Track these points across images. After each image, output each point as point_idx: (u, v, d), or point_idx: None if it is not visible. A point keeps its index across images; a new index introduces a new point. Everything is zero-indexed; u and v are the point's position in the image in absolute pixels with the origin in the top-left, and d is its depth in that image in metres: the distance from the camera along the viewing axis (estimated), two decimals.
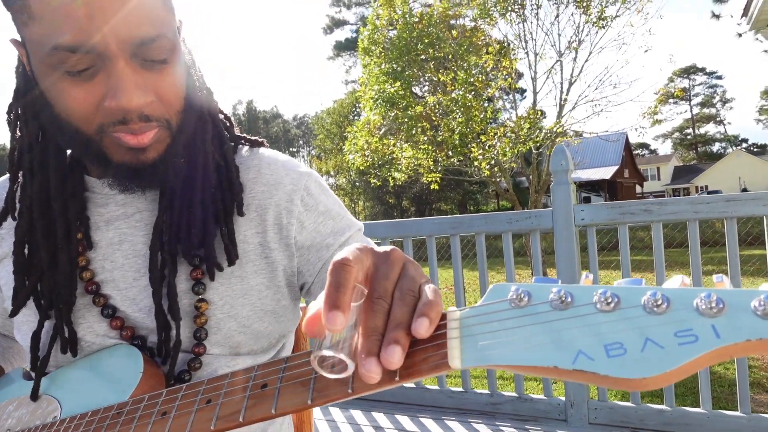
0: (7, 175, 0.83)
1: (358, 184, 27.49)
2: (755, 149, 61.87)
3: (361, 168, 11.77)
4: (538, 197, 11.51)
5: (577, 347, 0.36)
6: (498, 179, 11.40)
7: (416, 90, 11.89)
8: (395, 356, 0.39)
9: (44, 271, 0.71)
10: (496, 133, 10.33)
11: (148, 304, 0.74)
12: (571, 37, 10.57)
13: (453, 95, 10.40)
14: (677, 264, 9.66)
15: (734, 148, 60.86)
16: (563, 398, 2.54)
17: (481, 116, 10.15)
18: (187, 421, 0.51)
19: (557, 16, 10.61)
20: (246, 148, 0.84)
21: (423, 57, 10.95)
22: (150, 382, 0.66)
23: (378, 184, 12.15)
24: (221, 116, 0.82)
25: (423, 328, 0.40)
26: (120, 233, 0.76)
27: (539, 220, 2.55)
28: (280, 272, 0.78)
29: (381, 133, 11.37)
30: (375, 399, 2.98)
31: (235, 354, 0.77)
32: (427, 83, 12.03)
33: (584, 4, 10.11)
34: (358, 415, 2.84)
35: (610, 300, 0.38)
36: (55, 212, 0.72)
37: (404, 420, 2.74)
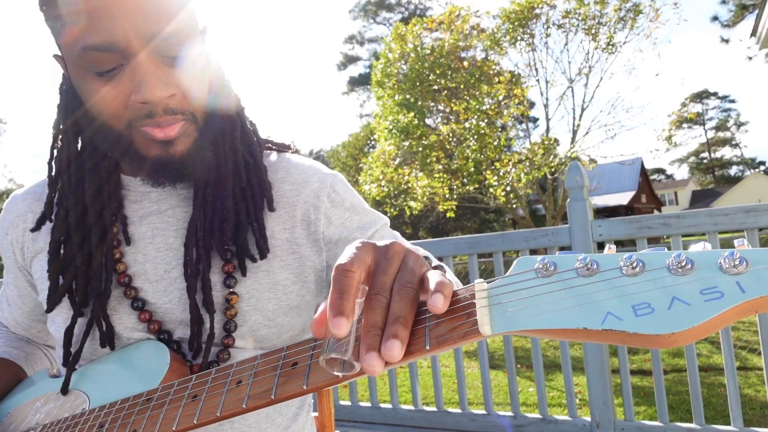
0: (40, 180, 0.87)
1: None
2: None
3: (377, 198, 11.84)
4: (555, 223, 11.45)
5: (605, 309, 0.37)
6: (514, 206, 11.38)
7: (429, 122, 12.02)
8: (394, 350, 0.40)
9: (79, 269, 0.74)
10: (510, 160, 10.36)
11: (177, 296, 0.76)
12: (582, 64, 10.67)
13: (466, 124, 10.49)
14: None
15: (752, 171, 60.19)
16: (589, 419, 2.48)
17: (495, 143, 10.21)
18: (218, 402, 0.52)
19: (566, 43, 10.74)
20: (273, 153, 0.87)
21: (435, 87, 11.11)
22: (176, 373, 0.68)
23: (395, 213, 12.18)
24: (249, 121, 0.85)
25: (439, 303, 0.41)
26: (153, 228, 0.78)
27: (556, 237, 2.54)
28: (308, 268, 0.80)
29: (396, 163, 11.47)
30: (398, 424, 2.94)
31: (259, 348, 0.79)
32: (440, 114, 12.18)
33: (593, 32, 10.23)
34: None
35: (635, 264, 0.39)
36: (90, 212, 0.75)
37: None
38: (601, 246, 2.50)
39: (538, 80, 11.06)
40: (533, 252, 2.80)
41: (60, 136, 0.78)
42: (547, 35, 10.64)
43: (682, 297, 0.36)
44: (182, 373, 0.69)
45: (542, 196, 11.91)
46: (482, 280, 0.44)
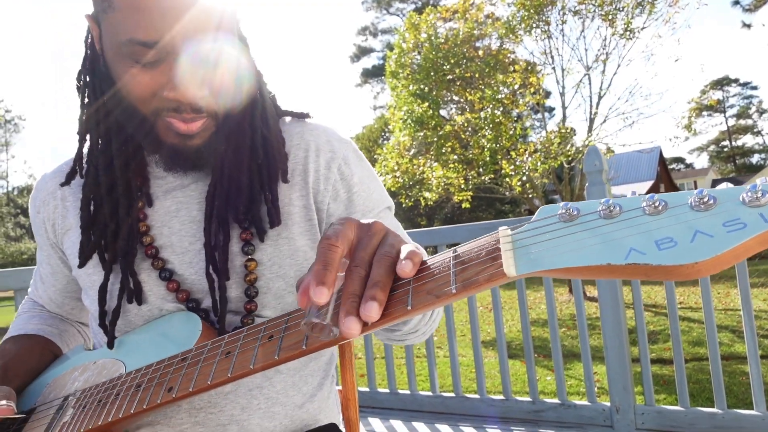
0: (68, 159, 0.90)
1: None
2: None
3: (392, 189, 11.85)
4: None
5: (629, 245, 0.38)
6: (530, 196, 11.31)
7: (444, 112, 11.97)
8: (372, 311, 0.44)
9: (108, 226, 0.77)
10: (526, 149, 10.28)
11: (203, 267, 0.78)
12: (599, 50, 10.53)
13: (481, 114, 10.43)
14: (721, 277, 9.37)
15: None
16: (608, 404, 2.48)
17: (511, 132, 10.14)
18: (251, 356, 0.54)
19: (583, 30, 10.60)
20: (290, 118, 0.88)
21: (450, 77, 11.05)
22: (208, 337, 0.70)
23: (410, 204, 12.19)
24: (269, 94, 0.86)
25: (408, 268, 0.45)
26: (177, 202, 0.81)
27: None
28: (320, 234, 0.82)
29: (411, 153, 11.44)
30: (415, 410, 2.96)
31: None
32: (455, 104, 12.12)
33: (610, 17, 10.09)
34: (398, 424, 2.82)
35: (658, 204, 0.39)
36: (119, 181, 0.78)
37: (445, 429, 2.71)
38: None
39: (554, 68, 10.94)
40: None
41: (86, 92, 0.80)
42: (563, 22, 10.51)
43: (705, 230, 0.36)
44: (214, 336, 0.71)
45: (558, 185, 11.81)
46: (507, 227, 0.45)
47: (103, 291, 0.79)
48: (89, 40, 0.79)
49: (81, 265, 0.80)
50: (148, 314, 0.78)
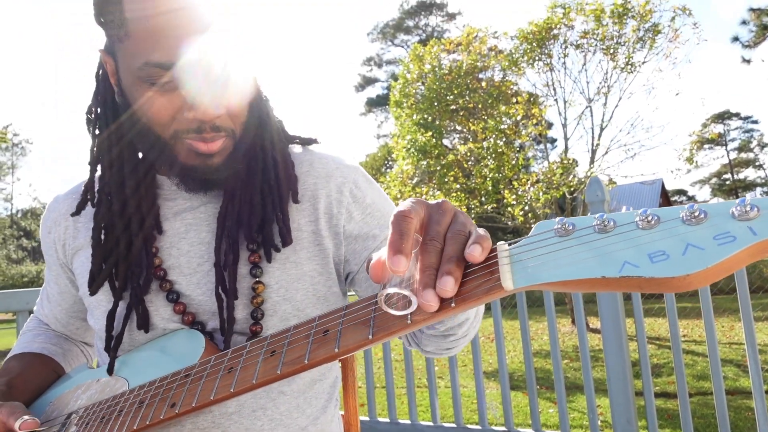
0: (81, 182, 0.92)
1: None
2: None
3: None
4: None
5: (623, 259, 0.39)
6: (532, 225, 11.32)
7: (446, 142, 12.08)
8: (449, 285, 0.44)
9: (120, 256, 0.78)
10: (528, 179, 10.33)
11: (210, 288, 0.79)
12: (600, 83, 10.66)
13: (484, 144, 10.52)
14: (725, 311, 9.28)
15: None
16: None
17: (513, 162, 10.20)
18: (253, 371, 0.54)
19: (584, 63, 10.76)
20: (298, 146, 0.90)
21: (453, 107, 11.18)
22: (211, 354, 0.70)
23: None
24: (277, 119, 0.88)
25: (477, 252, 0.45)
26: (186, 223, 0.82)
27: None
28: (330, 259, 0.83)
29: (414, 182, 11.50)
30: None
31: None
32: (458, 134, 12.23)
33: (611, 51, 10.25)
34: None
35: (650, 218, 0.40)
36: (130, 203, 0.79)
37: None
38: None
39: (556, 100, 11.08)
40: None
41: (98, 124, 0.82)
42: (565, 55, 10.68)
43: (696, 243, 0.37)
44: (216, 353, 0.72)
45: (560, 215, 11.83)
46: (504, 242, 0.47)
47: (111, 317, 0.79)
48: (100, 74, 0.82)
49: (93, 293, 0.81)
50: (152, 335, 0.79)
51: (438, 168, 10.73)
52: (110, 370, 0.77)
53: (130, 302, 0.78)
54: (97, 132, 0.82)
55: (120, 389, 0.73)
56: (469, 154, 10.76)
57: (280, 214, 0.80)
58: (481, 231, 0.48)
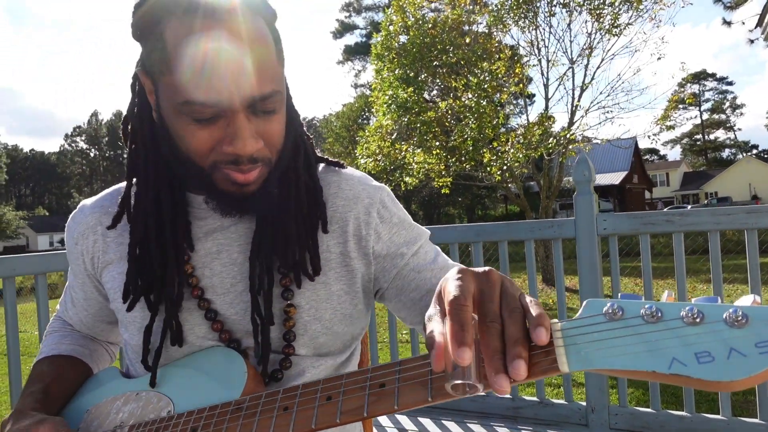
0: (119, 185, 0.92)
1: None
2: (766, 155, 61.44)
3: (373, 172, 11.85)
4: (549, 203, 11.55)
5: (671, 355, 0.44)
6: (509, 184, 11.46)
7: (426, 96, 11.96)
8: (521, 369, 0.46)
9: (156, 273, 0.80)
10: (507, 139, 10.38)
11: (243, 308, 0.82)
12: (584, 44, 10.62)
13: (465, 101, 10.46)
14: (694, 272, 9.66)
15: (744, 154, 60.54)
16: (584, 403, 2.60)
17: (494, 122, 10.21)
18: (311, 415, 0.58)
19: (569, 23, 10.67)
20: (323, 164, 0.92)
21: (435, 63, 11.03)
22: (254, 381, 0.74)
23: (390, 188, 12.19)
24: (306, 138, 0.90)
25: (544, 336, 0.48)
26: (218, 244, 0.84)
27: (562, 229, 2.61)
28: (358, 279, 0.87)
29: (393, 137, 11.45)
30: None
31: (318, 355, 0.85)
32: (438, 88, 12.12)
33: (597, 12, 10.16)
34: (382, 417, 2.91)
35: (696, 315, 0.45)
36: (165, 220, 0.81)
37: (427, 422, 2.81)
38: (604, 240, 2.58)
39: (540, 60, 11.01)
40: (539, 241, 2.86)
41: (135, 138, 0.82)
42: (552, 14, 10.56)
43: (740, 349, 0.42)
44: (258, 379, 0.76)
45: (537, 175, 11.98)
46: (556, 320, 0.51)
47: (148, 332, 0.82)
48: (137, 88, 0.81)
49: (129, 309, 0.83)
50: (188, 350, 0.82)
51: (418, 125, 10.68)
52: (153, 383, 0.80)
53: (166, 318, 0.81)
54: (133, 146, 0.82)
55: (164, 409, 0.76)
56: (449, 111, 10.71)
57: (311, 243, 0.82)
58: (535, 305, 0.51)
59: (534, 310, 0.50)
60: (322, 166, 0.92)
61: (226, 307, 0.83)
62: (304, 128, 0.88)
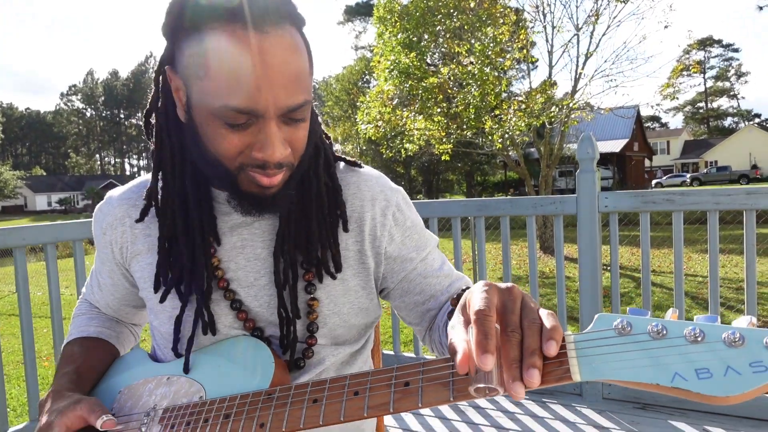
0: (144, 177, 0.96)
1: (366, 151, 27.51)
2: None
3: (373, 138, 11.81)
4: (549, 171, 11.57)
5: (674, 370, 0.49)
6: (509, 152, 11.45)
7: (429, 60, 11.81)
8: (535, 378, 0.52)
9: (185, 266, 0.85)
10: (510, 106, 10.32)
11: (267, 300, 0.87)
12: (591, 10, 10.44)
13: (468, 66, 10.35)
14: (691, 242, 9.75)
15: (746, 123, 60.18)
16: None
17: (496, 90, 10.13)
18: (339, 408, 0.64)
19: None
20: (342, 164, 0.95)
21: (439, 27, 10.86)
22: (280, 370, 0.79)
23: (390, 155, 12.20)
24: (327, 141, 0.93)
25: (553, 349, 0.53)
26: (242, 239, 0.89)
27: (563, 205, 2.66)
28: (371, 275, 0.92)
29: (394, 103, 11.36)
30: None
31: (335, 344, 0.92)
32: (438, 52, 11.96)
33: None
34: None
35: (698, 335, 0.50)
36: (192, 215, 0.85)
37: None
38: (605, 218, 2.63)
39: (545, 27, 10.85)
40: (539, 218, 2.89)
41: (160, 134, 0.84)
42: None
43: (735, 367, 0.47)
44: (283, 367, 0.81)
45: (538, 142, 11.96)
46: (570, 333, 0.56)
47: (178, 322, 0.87)
48: (161, 83, 0.83)
49: (162, 301, 0.88)
50: (215, 339, 0.87)
51: (420, 91, 10.59)
52: (186, 369, 0.85)
53: (197, 308, 0.86)
54: (158, 142, 0.85)
55: (196, 394, 0.81)
56: (452, 77, 10.60)
57: (332, 241, 0.87)
58: (551, 319, 0.56)
59: (548, 323, 0.55)
60: (341, 165, 0.95)
61: (250, 299, 0.88)
62: (322, 127, 0.91)
